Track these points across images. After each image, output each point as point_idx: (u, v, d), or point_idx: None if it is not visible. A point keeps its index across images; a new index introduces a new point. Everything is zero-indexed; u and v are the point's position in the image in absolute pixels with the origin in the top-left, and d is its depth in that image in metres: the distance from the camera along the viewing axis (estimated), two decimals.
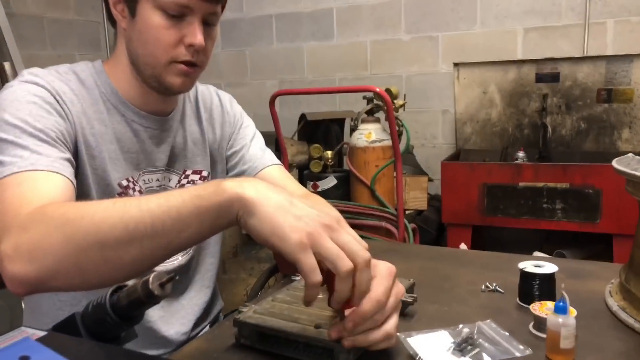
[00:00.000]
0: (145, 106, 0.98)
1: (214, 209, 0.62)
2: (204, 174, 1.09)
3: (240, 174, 1.12)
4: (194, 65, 0.92)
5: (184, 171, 1.06)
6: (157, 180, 1.02)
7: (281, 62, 3.64)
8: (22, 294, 0.67)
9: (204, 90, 1.13)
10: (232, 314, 0.84)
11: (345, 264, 0.60)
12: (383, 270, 0.69)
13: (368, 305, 0.65)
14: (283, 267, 2.34)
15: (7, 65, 2.74)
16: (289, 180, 1.13)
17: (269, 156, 1.14)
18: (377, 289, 0.66)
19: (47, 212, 0.68)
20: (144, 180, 1.00)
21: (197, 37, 0.88)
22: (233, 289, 2.71)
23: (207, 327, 1.14)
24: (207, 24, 0.91)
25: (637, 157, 0.92)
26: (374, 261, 0.69)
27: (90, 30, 3.55)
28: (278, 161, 1.15)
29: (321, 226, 0.61)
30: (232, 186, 0.62)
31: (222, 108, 1.13)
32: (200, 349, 0.82)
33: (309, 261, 0.59)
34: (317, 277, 0.60)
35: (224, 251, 2.70)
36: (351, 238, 0.63)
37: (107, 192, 0.94)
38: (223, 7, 0.93)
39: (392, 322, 0.69)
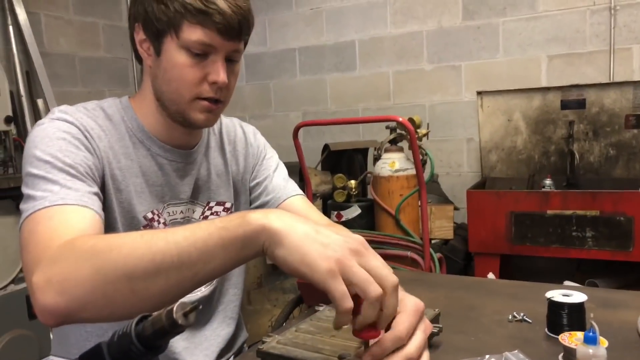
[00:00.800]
0: (170, 140, 1.00)
1: (239, 240, 0.63)
2: (227, 205, 1.10)
3: (264, 205, 1.13)
4: (218, 102, 0.94)
5: (208, 203, 1.08)
6: (182, 212, 1.04)
7: (304, 93, 3.69)
8: (53, 325, 0.68)
9: (228, 123, 1.16)
10: (256, 345, 0.84)
11: (375, 289, 0.60)
12: (410, 305, 0.69)
13: (389, 341, 0.65)
14: (307, 297, 2.33)
15: (40, 102, 2.84)
16: (312, 211, 1.14)
17: (292, 186, 1.15)
18: (401, 326, 0.66)
19: (76, 244, 0.70)
20: (169, 213, 1.01)
21: (220, 75, 0.90)
22: (258, 319, 2.70)
23: (232, 359, 1.13)
24: (230, 61, 0.94)
25: None
26: (402, 294, 0.69)
27: (119, 67, 3.67)
28: (301, 191, 1.16)
29: (349, 252, 0.61)
30: (257, 217, 0.63)
31: (245, 140, 1.15)
32: None
33: (340, 288, 0.59)
34: (349, 303, 0.60)
35: (249, 282, 2.70)
36: (379, 262, 0.63)
37: (132, 224, 0.96)
38: (245, 44, 0.96)
39: (423, 358, 0.69)
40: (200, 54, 0.89)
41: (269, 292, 2.75)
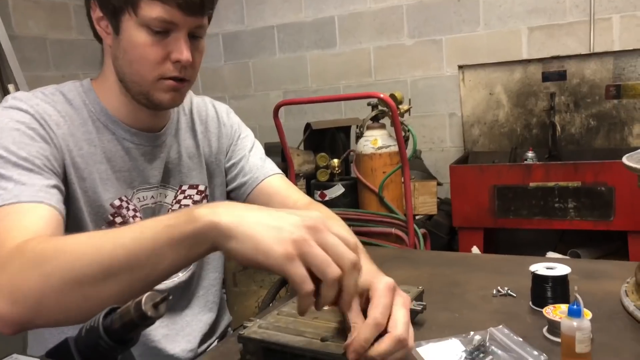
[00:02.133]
0: (136, 123, 0.96)
1: (188, 238, 0.60)
2: (201, 188, 1.07)
3: (242, 186, 1.10)
4: (183, 80, 0.90)
5: (180, 186, 1.05)
6: (152, 197, 1.00)
7: (285, 72, 3.64)
8: (11, 334, 0.65)
9: (199, 102, 1.12)
10: (239, 329, 0.82)
11: (333, 271, 0.58)
12: (380, 286, 0.68)
13: (367, 332, 0.64)
14: None
15: (11, 87, 2.76)
16: (292, 189, 1.11)
17: (270, 165, 1.12)
18: (376, 310, 0.65)
19: (26, 249, 0.67)
20: (139, 198, 0.98)
21: (184, 53, 0.86)
22: (244, 301, 2.70)
23: (215, 342, 1.12)
24: (194, 37, 0.89)
25: None
26: (370, 275, 0.69)
27: (93, 49, 3.49)
28: (279, 170, 1.13)
29: (306, 230, 0.59)
30: (205, 213, 0.60)
31: (218, 120, 1.11)
32: None
33: (298, 271, 0.57)
34: (309, 286, 0.57)
35: (234, 264, 2.69)
36: (337, 240, 0.60)
37: (99, 213, 0.92)
38: (210, 18, 0.91)
39: (403, 327, 0.67)
40: (161, 31, 0.85)
41: (255, 274, 2.74)
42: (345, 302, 0.62)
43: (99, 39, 0.94)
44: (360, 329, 0.64)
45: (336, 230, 0.61)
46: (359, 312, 0.68)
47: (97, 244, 0.63)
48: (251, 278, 2.73)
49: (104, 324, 0.48)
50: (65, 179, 0.87)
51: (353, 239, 0.64)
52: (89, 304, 0.62)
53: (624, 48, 2.67)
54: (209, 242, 0.60)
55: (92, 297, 0.62)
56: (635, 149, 0.92)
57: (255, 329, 0.79)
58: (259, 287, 2.71)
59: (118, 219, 0.94)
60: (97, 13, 0.89)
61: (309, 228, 0.59)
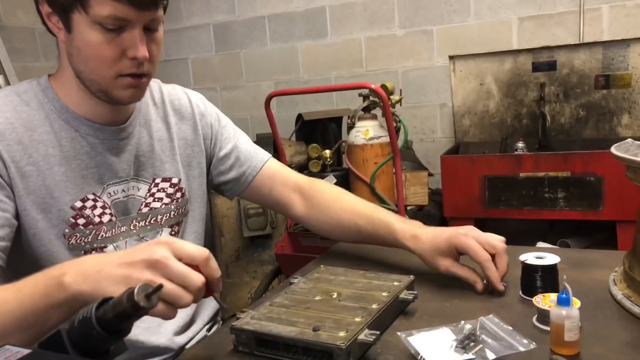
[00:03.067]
0: (98, 118, 0.94)
1: (64, 303, 0.67)
2: (174, 181, 1.06)
3: (241, 176, 1.12)
4: (142, 76, 0.88)
5: (154, 179, 1.03)
6: (123, 191, 0.99)
7: (276, 62, 3.63)
8: None
9: (171, 91, 1.10)
10: (231, 319, 0.83)
11: (185, 302, 0.65)
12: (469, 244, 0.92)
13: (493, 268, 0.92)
14: (285, 268, 2.32)
15: (0, 78, 2.73)
16: (288, 169, 1.16)
17: (261, 151, 1.15)
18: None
19: None
20: (109, 194, 0.96)
21: (139, 50, 0.84)
22: (237, 292, 2.70)
23: (204, 329, 1.12)
24: (149, 30, 0.87)
25: (637, 142, 0.90)
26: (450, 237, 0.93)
27: None
28: (268, 153, 1.16)
29: (147, 271, 0.64)
30: (70, 282, 0.67)
31: (192, 109, 1.10)
32: (198, 357, 0.80)
33: (156, 309, 0.61)
34: (171, 312, 0.65)
35: (227, 255, 2.69)
36: (181, 268, 0.65)
37: (59, 218, 0.91)
38: (165, 8, 0.89)
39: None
40: (114, 29, 0.82)
41: (247, 265, 2.75)
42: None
43: (52, 32, 0.91)
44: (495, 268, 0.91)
45: (182, 251, 0.67)
46: None
47: None
48: (244, 269, 2.73)
49: (96, 315, 0.48)
50: (12, 193, 0.86)
51: (201, 254, 0.68)
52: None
53: (613, 38, 2.68)
54: (83, 303, 0.66)
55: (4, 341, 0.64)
56: (624, 139, 0.93)
57: (248, 319, 0.79)
58: (252, 279, 2.72)
59: (81, 220, 0.93)
60: (45, 8, 0.87)
61: (151, 266, 0.64)
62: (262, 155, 1.14)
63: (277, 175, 1.13)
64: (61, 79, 0.93)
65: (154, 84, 1.08)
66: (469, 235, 0.93)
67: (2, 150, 0.85)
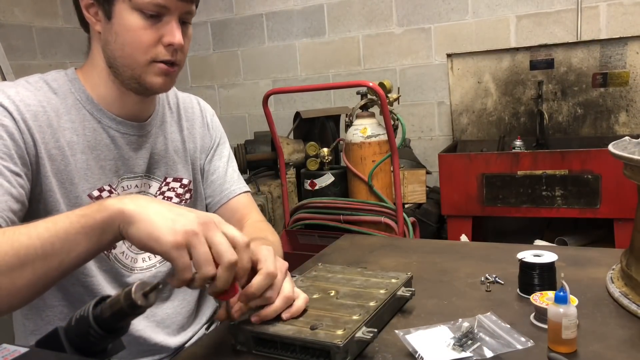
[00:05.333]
0: (122, 111, 0.96)
1: (98, 225, 0.66)
2: (185, 181, 1.08)
3: (216, 195, 1.14)
4: (174, 64, 0.92)
5: (165, 178, 1.06)
6: (136, 186, 1.01)
7: (274, 60, 3.62)
8: None
9: (186, 99, 1.14)
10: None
11: (207, 272, 0.65)
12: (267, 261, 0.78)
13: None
14: None
15: None
16: (254, 210, 1.18)
17: (242, 182, 1.17)
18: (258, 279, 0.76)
19: None
20: (123, 187, 0.98)
21: (176, 36, 0.88)
22: None
23: (202, 330, 1.12)
24: (183, 23, 0.92)
25: (634, 140, 0.90)
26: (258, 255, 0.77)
27: (81, 38, 3.49)
28: (246, 187, 1.19)
29: (198, 225, 0.65)
30: (113, 203, 0.67)
31: (203, 119, 1.15)
32: (196, 355, 0.80)
33: (182, 260, 0.63)
34: (188, 275, 0.64)
35: None
36: (223, 239, 0.66)
37: (76, 205, 0.91)
38: (197, 6, 0.94)
39: (288, 287, 0.79)
40: (154, 15, 0.87)
41: None
42: (216, 292, 0.68)
43: (85, 26, 0.94)
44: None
45: (227, 229, 0.69)
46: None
47: (11, 237, 0.65)
48: None
49: (94, 314, 0.48)
50: (38, 172, 0.87)
51: (243, 239, 0.70)
52: (2, 294, 0.64)
53: (610, 36, 2.68)
54: (116, 228, 0.66)
55: (6, 287, 0.63)
56: (621, 137, 0.93)
57: (246, 318, 0.79)
58: None
59: None
60: (86, 0, 0.89)
61: (201, 224, 0.65)
62: (239, 186, 1.16)
63: (239, 212, 1.15)
64: (90, 71, 0.95)
65: (171, 90, 1.10)
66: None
67: (35, 131, 0.87)
